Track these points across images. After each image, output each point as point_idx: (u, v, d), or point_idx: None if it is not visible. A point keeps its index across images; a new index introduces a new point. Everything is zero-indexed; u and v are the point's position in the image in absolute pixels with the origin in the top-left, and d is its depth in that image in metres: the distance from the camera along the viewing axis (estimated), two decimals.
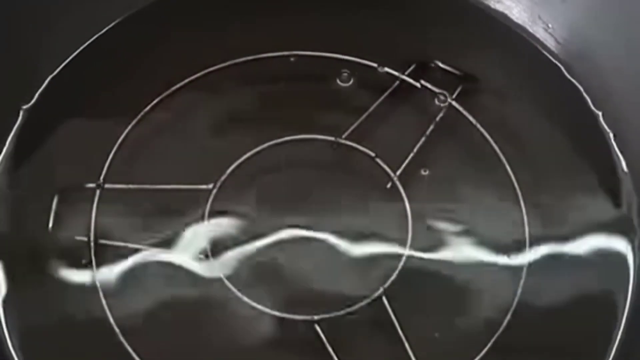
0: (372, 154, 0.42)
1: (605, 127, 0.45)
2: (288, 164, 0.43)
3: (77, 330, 0.41)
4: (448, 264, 0.42)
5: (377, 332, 0.40)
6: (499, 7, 0.47)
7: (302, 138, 0.42)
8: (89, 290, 0.41)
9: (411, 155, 0.42)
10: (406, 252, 0.41)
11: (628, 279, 0.42)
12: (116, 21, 0.46)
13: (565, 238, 0.42)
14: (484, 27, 0.47)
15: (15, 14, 0.43)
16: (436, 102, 0.43)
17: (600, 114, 0.45)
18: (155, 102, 0.43)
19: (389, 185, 0.42)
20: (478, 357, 0.39)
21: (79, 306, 0.41)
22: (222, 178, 0.41)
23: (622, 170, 0.44)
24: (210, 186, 0.41)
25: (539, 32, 0.46)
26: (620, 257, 0.42)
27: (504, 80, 0.45)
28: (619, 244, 0.42)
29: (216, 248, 0.41)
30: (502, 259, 0.42)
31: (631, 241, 0.42)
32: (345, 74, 0.44)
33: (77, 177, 0.42)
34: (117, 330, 0.40)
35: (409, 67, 0.44)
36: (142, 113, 0.43)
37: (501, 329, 0.40)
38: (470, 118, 0.43)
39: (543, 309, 0.41)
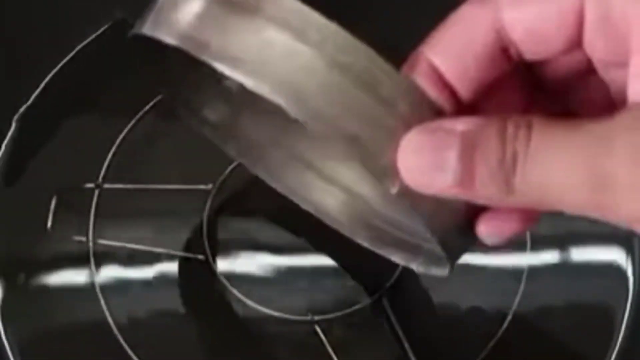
0: None
1: None
2: None
3: (76, 332, 0.40)
4: None
5: (377, 332, 0.40)
6: None
7: None
8: (88, 290, 0.40)
9: None
10: None
11: (627, 287, 0.42)
12: (115, 20, 0.46)
13: (566, 241, 0.42)
14: None
15: (14, 15, 0.43)
16: None
17: None
18: (154, 102, 0.43)
19: None
20: (478, 357, 0.39)
21: (77, 306, 0.41)
22: (222, 178, 0.41)
23: None
24: (210, 186, 0.41)
25: None
26: (620, 265, 0.42)
27: None
28: (619, 252, 0.42)
29: (216, 248, 0.41)
30: (504, 259, 0.42)
31: (630, 250, 0.42)
32: None
33: (76, 177, 0.42)
34: (115, 331, 0.40)
35: None
36: (141, 113, 0.43)
37: (501, 330, 0.40)
38: None
39: (543, 310, 0.41)
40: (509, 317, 0.40)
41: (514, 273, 0.41)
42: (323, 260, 0.42)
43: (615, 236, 0.42)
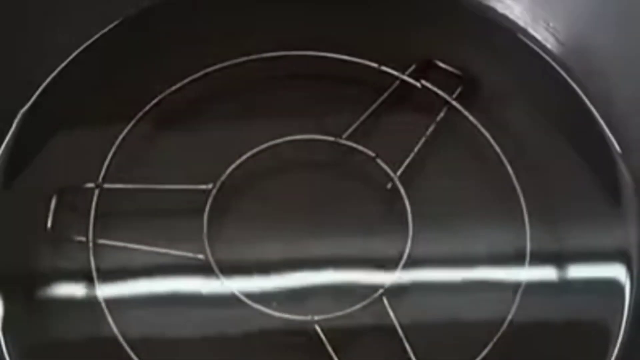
0: (373, 154, 0.42)
1: (607, 130, 0.44)
2: (288, 164, 0.43)
3: (76, 333, 0.40)
4: (448, 264, 0.42)
5: (377, 332, 0.40)
6: (499, 7, 0.47)
7: (302, 138, 0.42)
8: (88, 290, 0.40)
9: (412, 155, 0.42)
10: (406, 252, 0.41)
11: (624, 304, 0.41)
12: (116, 22, 0.46)
13: (565, 257, 0.42)
14: (484, 27, 0.47)
15: (12, 14, 0.43)
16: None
17: (602, 117, 0.45)
18: (155, 102, 0.43)
19: (389, 186, 0.42)
20: (479, 357, 0.39)
21: (78, 307, 0.41)
22: (222, 178, 0.41)
23: (624, 170, 0.44)
24: (210, 186, 0.41)
25: (540, 32, 0.46)
26: (618, 281, 0.42)
27: (504, 81, 0.45)
28: (617, 268, 0.42)
29: (215, 249, 0.41)
30: (503, 259, 0.42)
31: (630, 267, 0.42)
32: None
33: (76, 177, 0.42)
34: (116, 331, 0.39)
35: (409, 67, 0.44)
36: (141, 113, 0.43)
37: (502, 330, 0.40)
38: (471, 118, 0.43)
39: (544, 311, 0.41)
40: (509, 317, 0.40)
41: (514, 269, 0.41)
42: (323, 260, 0.42)
43: (615, 253, 0.42)
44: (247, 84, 0.44)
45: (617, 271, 0.42)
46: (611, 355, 0.41)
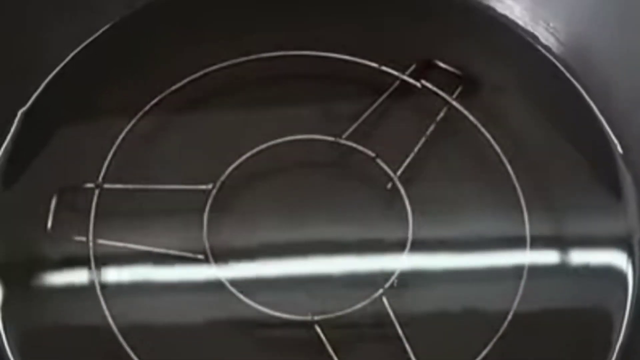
0: (373, 154, 0.42)
1: (608, 129, 0.44)
2: (288, 164, 0.43)
3: (76, 333, 0.40)
4: (448, 265, 0.42)
5: (377, 332, 0.40)
6: (499, 7, 0.47)
7: (302, 138, 0.42)
8: (88, 291, 0.40)
9: (412, 155, 0.42)
10: (406, 252, 0.41)
11: (627, 290, 0.42)
12: (115, 21, 0.46)
13: (566, 243, 0.42)
14: (484, 27, 0.47)
15: (11, 14, 0.43)
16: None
17: (602, 115, 0.45)
18: (155, 102, 0.43)
19: (389, 186, 0.42)
20: (479, 357, 0.39)
21: (78, 307, 0.41)
22: (222, 178, 0.41)
23: (625, 168, 0.44)
24: (210, 186, 0.41)
25: (540, 32, 0.46)
26: (620, 267, 0.42)
27: (505, 80, 0.45)
28: (619, 255, 0.42)
29: (215, 249, 0.41)
30: (503, 260, 0.42)
31: (631, 253, 0.42)
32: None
33: (75, 177, 0.42)
34: (116, 331, 0.39)
35: (409, 67, 0.44)
36: (141, 113, 0.43)
37: (502, 330, 0.40)
38: (471, 118, 0.43)
39: (543, 311, 0.41)
40: (509, 317, 0.40)
41: (514, 272, 0.41)
42: (323, 260, 0.42)
43: (617, 239, 0.42)
44: (247, 84, 0.44)
45: (618, 261, 0.42)
46: (615, 343, 0.41)
